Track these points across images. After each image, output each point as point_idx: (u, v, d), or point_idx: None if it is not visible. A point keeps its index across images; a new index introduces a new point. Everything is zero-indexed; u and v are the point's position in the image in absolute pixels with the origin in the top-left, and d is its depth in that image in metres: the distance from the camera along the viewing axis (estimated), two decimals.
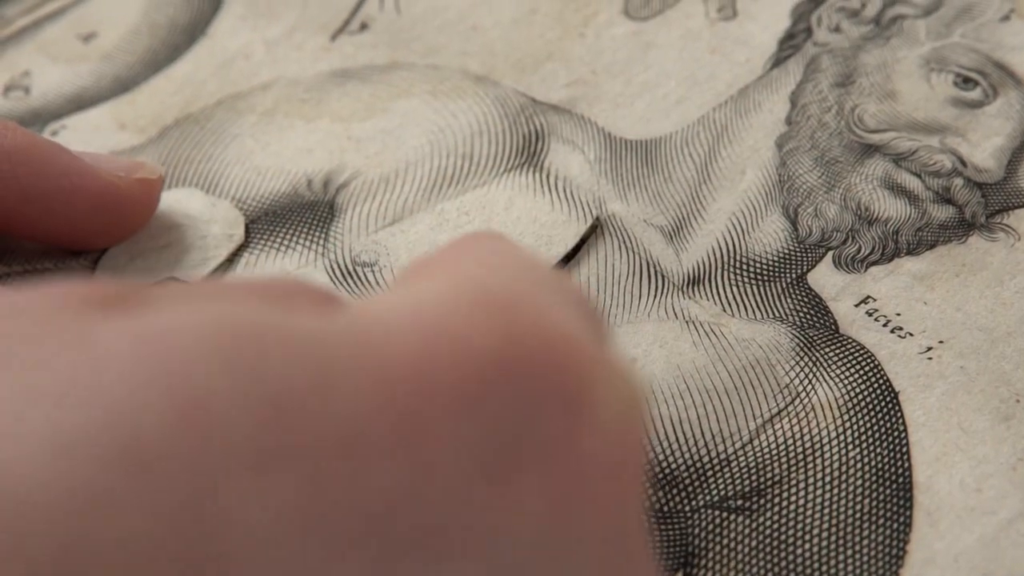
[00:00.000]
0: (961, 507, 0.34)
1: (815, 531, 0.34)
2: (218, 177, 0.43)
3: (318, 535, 0.20)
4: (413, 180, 0.42)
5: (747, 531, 0.34)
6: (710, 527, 0.34)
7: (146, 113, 0.46)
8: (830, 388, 0.36)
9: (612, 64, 0.44)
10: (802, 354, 0.37)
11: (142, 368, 0.20)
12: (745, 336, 0.37)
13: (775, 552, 0.34)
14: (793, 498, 0.35)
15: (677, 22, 0.45)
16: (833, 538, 0.34)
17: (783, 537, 0.34)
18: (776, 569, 0.33)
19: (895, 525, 0.34)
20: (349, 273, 0.40)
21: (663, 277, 0.39)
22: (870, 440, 0.35)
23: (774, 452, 0.35)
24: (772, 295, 0.38)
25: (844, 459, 0.35)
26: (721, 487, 0.35)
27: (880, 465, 0.35)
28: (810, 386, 0.36)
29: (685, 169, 0.41)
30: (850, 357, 0.37)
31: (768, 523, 0.34)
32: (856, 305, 0.38)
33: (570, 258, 0.39)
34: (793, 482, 0.35)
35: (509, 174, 0.42)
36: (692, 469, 0.35)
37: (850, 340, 0.37)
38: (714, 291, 0.39)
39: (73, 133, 0.45)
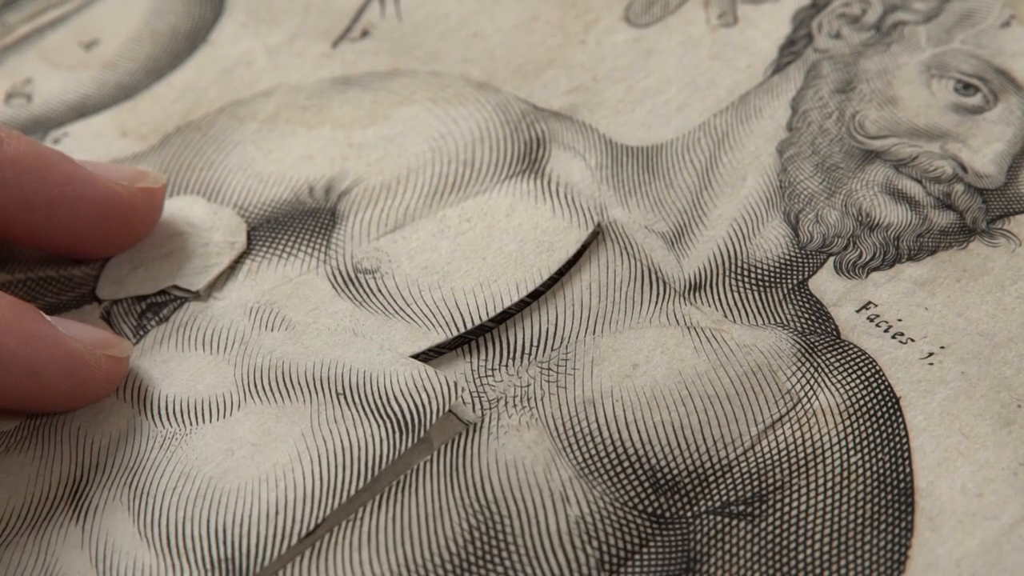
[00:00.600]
0: (963, 512, 0.34)
1: (817, 536, 0.34)
2: (220, 184, 0.43)
3: None
4: (414, 187, 0.42)
5: (749, 536, 0.34)
6: (712, 533, 0.34)
7: (148, 120, 0.46)
8: (831, 394, 0.36)
9: (613, 70, 0.44)
10: (803, 360, 0.37)
11: None
12: (746, 342, 0.37)
13: (777, 557, 0.34)
14: (795, 503, 0.35)
15: (678, 28, 0.45)
16: (835, 543, 0.34)
17: (785, 542, 0.34)
18: (778, 574, 0.34)
19: (897, 530, 0.34)
20: (350, 280, 0.40)
21: (664, 283, 0.39)
22: (871, 445, 0.35)
23: (775, 458, 0.35)
24: (773, 301, 0.38)
25: (845, 464, 0.35)
26: (723, 493, 0.35)
27: (882, 470, 0.35)
28: (811, 392, 0.36)
29: (686, 175, 0.41)
30: (851, 363, 0.37)
31: (770, 528, 0.34)
32: (857, 311, 0.38)
33: (571, 264, 0.39)
34: (795, 487, 0.35)
35: (510, 180, 0.42)
36: (694, 475, 0.35)
37: (851, 346, 0.37)
38: (715, 297, 0.39)
39: (75, 140, 0.45)
